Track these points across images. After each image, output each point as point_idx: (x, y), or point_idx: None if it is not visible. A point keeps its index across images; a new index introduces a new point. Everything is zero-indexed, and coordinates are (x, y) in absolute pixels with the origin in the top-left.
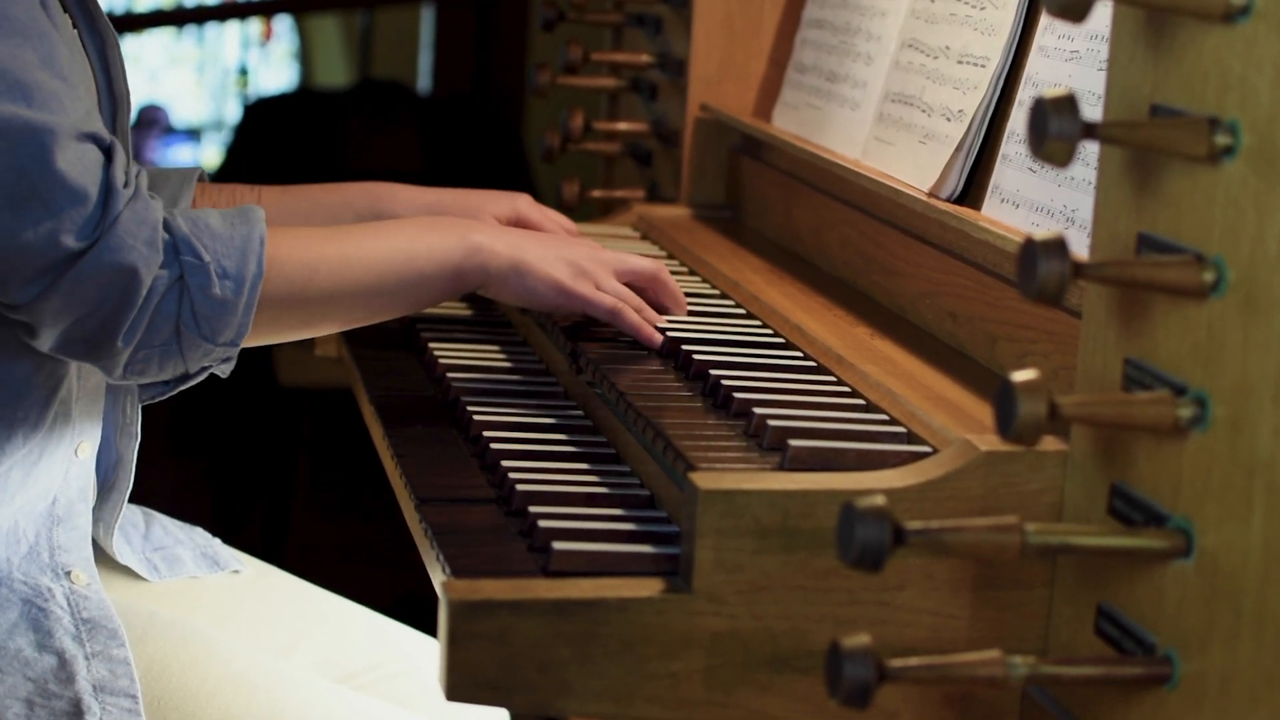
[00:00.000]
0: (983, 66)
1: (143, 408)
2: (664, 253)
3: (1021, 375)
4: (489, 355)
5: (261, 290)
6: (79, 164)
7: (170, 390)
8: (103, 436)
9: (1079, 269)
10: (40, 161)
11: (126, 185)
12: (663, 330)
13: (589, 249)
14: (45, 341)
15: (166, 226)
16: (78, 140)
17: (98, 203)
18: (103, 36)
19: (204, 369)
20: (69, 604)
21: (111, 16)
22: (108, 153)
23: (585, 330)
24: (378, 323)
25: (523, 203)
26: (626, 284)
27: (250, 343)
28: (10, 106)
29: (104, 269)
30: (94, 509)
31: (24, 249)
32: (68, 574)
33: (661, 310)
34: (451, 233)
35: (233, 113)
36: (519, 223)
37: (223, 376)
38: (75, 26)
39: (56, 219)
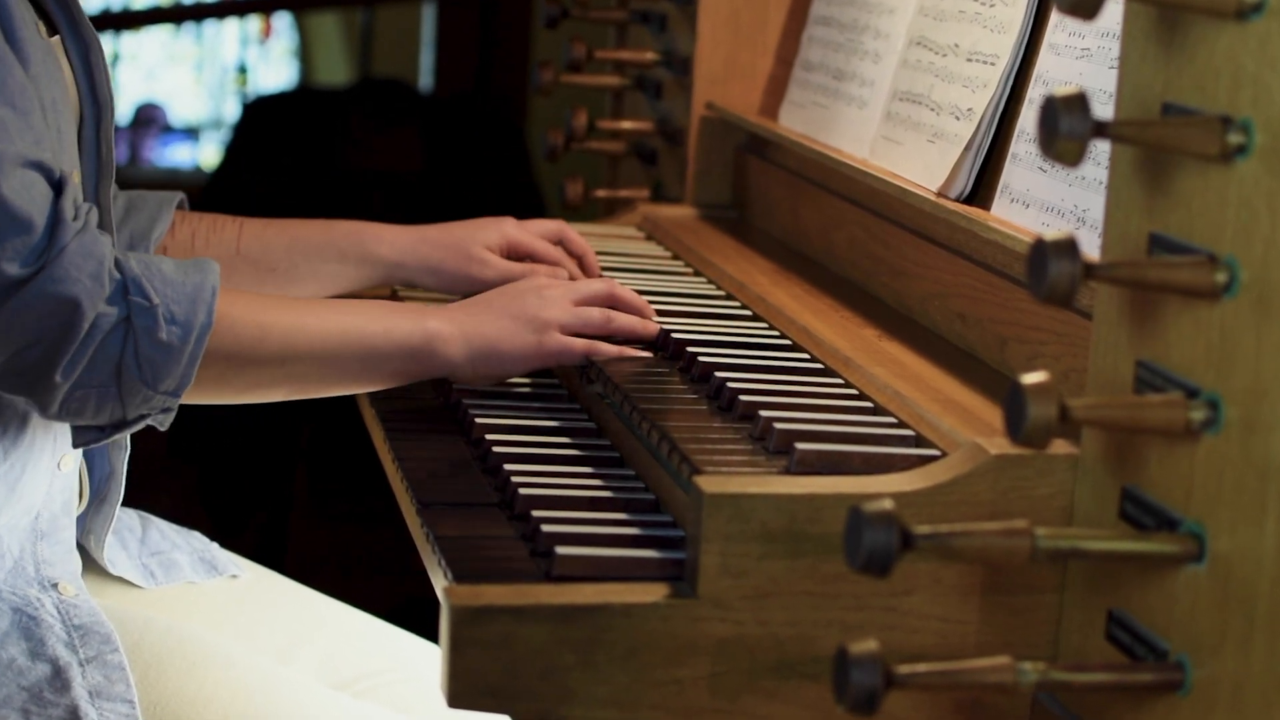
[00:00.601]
0: (992, 64)
1: None
2: (669, 253)
3: (1031, 377)
4: None
5: (210, 343)
6: (25, 192)
7: (105, 437)
8: (96, 449)
9: (1090, 270)
10: None
11: (76, 218)
12: (668, 332)
13: (537, 294)
14: None
15: (118, 265)
16: (23, 168)
17: (44, 232)
18: (85, 42)
19: (142, 417)
20: (59, 612)
21: (108, 14)
22: (57, 185)
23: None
24: (326, 396)
25: (509, 226)
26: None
27: (194, 399)
28: None
29: (45, 299)
30: (85, 520)
31: None
32: (54, 586)
33: (631, 331)
34: (409, 317)
35: (231, 111)
36: (509, 247)
37: (161, 429)
38: (57, 33)
39: None
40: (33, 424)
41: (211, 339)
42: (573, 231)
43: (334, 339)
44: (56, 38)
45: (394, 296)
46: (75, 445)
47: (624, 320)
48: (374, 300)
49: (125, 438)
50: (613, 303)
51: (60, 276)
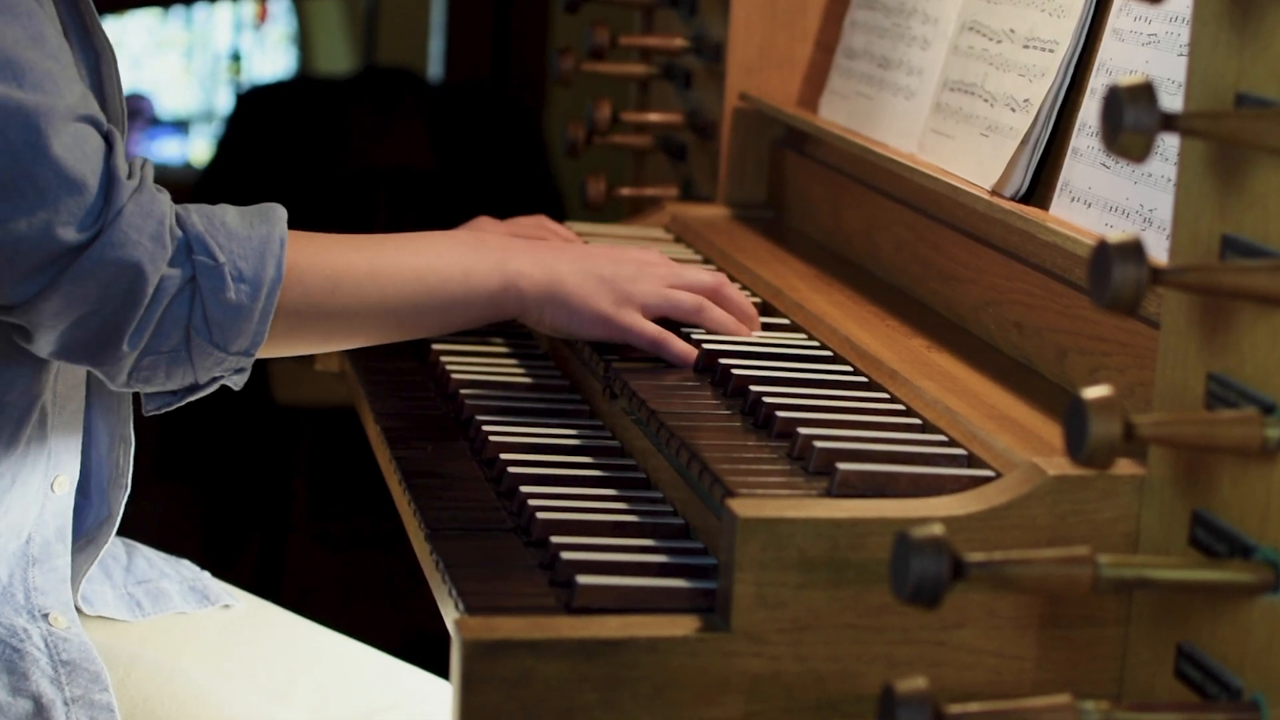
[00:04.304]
0: (1051, 51)
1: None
2: (699, 257)
3: (1094, 392)
4: (506, 370)
5: (280, 298)
6: (77, 149)
7: (178, 401)
8: (95, 489)
9: (1157, 274)
10: (34, 146)
11: (130, 176)
12: (698, 343)
13: (637, 265)
14: (44, 345)
15: (180, 223)
16: (76, 122)
17: (99, 193)
18: (97, 52)
19: (215, 379)
20: (46, 645)
21: None
22: (108, 139)
23: (614, 344)
24: (402, 340)
25: (486, 224)
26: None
27: (266, 354)
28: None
29: (106, 265)
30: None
31: (18, 242)
32: (45, 616)
33: (724, 329)
34: (489, 256)
35: (224, 103)
36: None
37: (235, 389)
38: (66, 36)
39: (52, 209)
40: (26, 434)
41: (281, 293)
42: (552, 223)
43: (410, 286)
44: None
45: None
46: (147, 412)
47: (716, 315)
48: (448, 236)
49: (127, 476)
50: (716, 297)
51: (119, 240)
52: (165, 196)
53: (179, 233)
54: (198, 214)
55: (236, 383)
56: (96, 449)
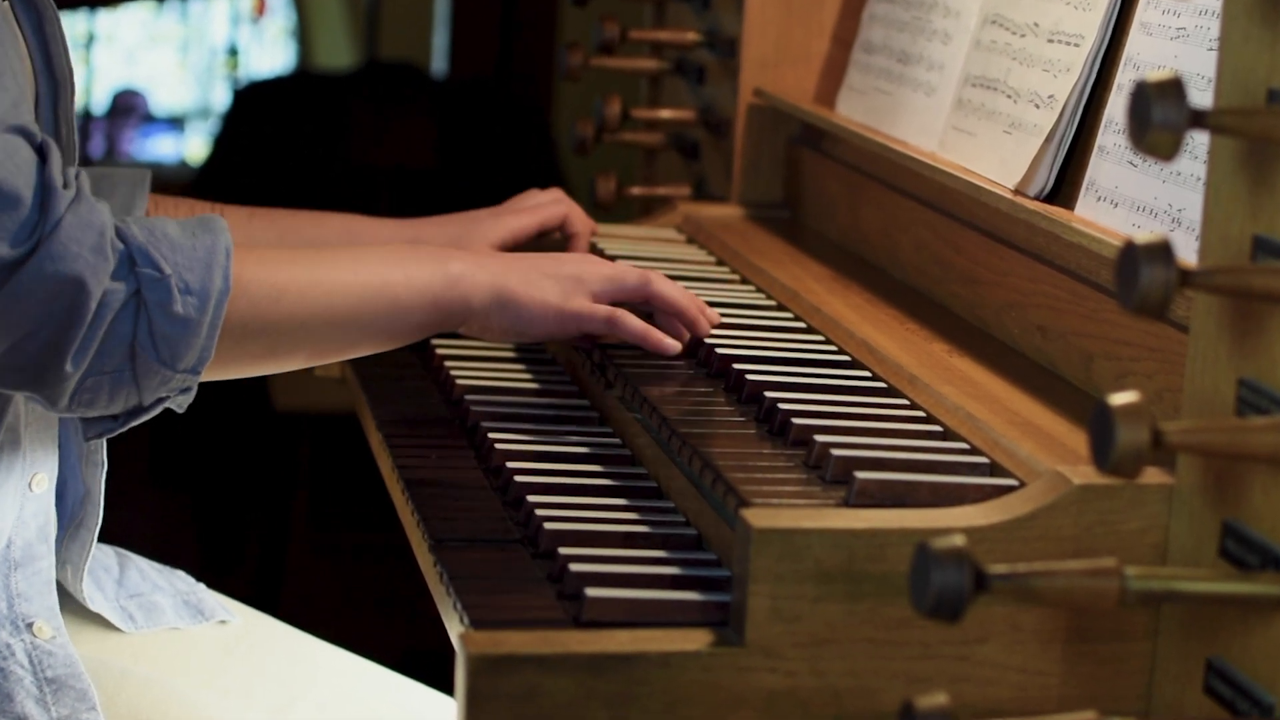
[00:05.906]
0: (1076, 46)
1: None
2: (713, 258)
3: (1120, 398)
4: (513, 375)
5: (226, 310)
6: (8, 162)
7: (119, 427)
8: (67, 467)
9: (1186, 277)
10: None
11: (67, 186)
12: (711, 348)
13: (578, 260)
14: None
15: (120, 235)
16: (4, 134)
17: (33, 205)
18: (39, 11)
19: (159, 400)
20: (31, 661)
21: None
22: (41, 150)
23: (621, 346)
24: (347, 358)
25: (510, 218)
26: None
27: (209, 376)
28: None
29: (45, 281)
30: (59, 549)
31: None
32: (29, 626)
33: (672, 300)
34: (430, 261)
35: (221, 99)
36: (514, 240)
37: (179, 411)
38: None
39: None
40: None
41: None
42: (577, 208)
43: (354, 294)
44: (6, 4)
45: None
46: (87, 438)
47: (665, 285)
48: (391, 246)
49: (101, 453)
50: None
51: (59, 254)
52: (105, 207)
53: (120, 245)
54: (137, 225)
55: (181, 404)
56: (62, 426)
